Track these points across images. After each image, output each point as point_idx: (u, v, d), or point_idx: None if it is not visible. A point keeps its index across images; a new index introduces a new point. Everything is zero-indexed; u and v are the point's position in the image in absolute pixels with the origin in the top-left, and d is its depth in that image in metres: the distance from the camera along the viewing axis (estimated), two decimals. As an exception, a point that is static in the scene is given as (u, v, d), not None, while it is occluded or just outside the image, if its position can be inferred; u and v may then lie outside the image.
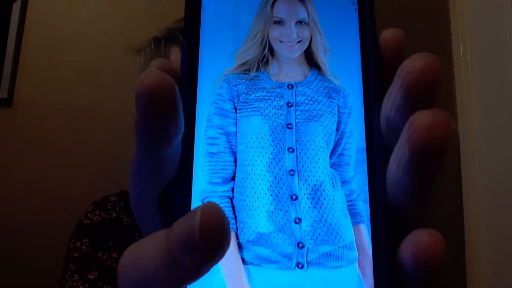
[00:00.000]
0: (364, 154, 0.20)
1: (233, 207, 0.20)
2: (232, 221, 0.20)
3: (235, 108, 0.21)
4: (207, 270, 0.15)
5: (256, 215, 0.19)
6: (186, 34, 0.20)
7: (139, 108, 0.16)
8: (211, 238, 0.14)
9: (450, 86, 1.12)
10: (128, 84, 0.80)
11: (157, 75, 0.16)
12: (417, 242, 0.16)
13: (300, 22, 0.22)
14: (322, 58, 0.21)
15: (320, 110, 0.21)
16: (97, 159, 1.11)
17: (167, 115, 0.16)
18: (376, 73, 0.20)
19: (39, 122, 1.15)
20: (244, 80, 0.21)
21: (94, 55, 1.18)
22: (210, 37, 0.21)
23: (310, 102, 0.21)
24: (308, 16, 0.22)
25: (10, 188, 1.11)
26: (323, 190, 0.20)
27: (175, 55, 0.70)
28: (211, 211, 0.14)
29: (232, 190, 0.20)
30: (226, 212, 0.19)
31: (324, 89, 0.21)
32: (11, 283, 1.04)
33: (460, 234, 1.06)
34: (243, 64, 0.21)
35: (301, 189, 0.20)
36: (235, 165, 0.20)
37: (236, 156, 0.20)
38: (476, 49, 1.10)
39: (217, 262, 0.15)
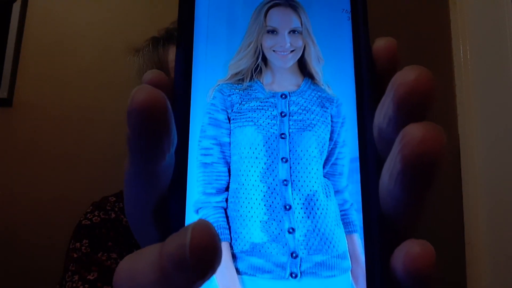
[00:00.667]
0: (357, 163, 0.20)
1: (227, 217, 0.20)
2: (226, 231, 0.20)
3: (229, 118, 0.21)
4: (199, 286, 0.15)
5: (250, 225, 0.19)
6: (179, 44, 0.20)
7: (131, 125, 0.16)
8: (202, 257, 0.14)
9: (450, 86, 1.12)
10: (128, 84, 0.80)
11: (148, 92, 0.16)
12: (408, 253, 0.16)
13: (293, 31, 0.22)
14: (315, 67, 0.21)
15: (313, 119, 0.21)
16: (97, 159, 1.11)
17: (159, 131, 0.17)
18: (369, 83, 0.20)
19: (39, 122, 1.15)
20: (238, 90, 0.21)
21: (94, 55, 1.18)
22: (204, 47, 0.21)
23: (304, 112, 0.21)
24: (302, 25, 0.22)
25: (10, 188, 1.11)
26: (317, 200, 0.20)
27: (173, 55, 0.70)
28: (202, 229, 0.14)
29: (226, 200, 0.20)
30: (220, 223, 0.20)
31: (317, 99, 0.21)
32: (11, 283, 1.05)
33: (460, 234, 1.06)
34: (236, 74, 0.21)
35: (294, 199, 0.20)
36: (229, 175, 0.20)
37: (230, 166, 0.20)
38: (476, 49, 1.09)
39: (208, 279, 0.15)
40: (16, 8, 1.19)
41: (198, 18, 0.21)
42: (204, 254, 0.14)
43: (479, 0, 1.09)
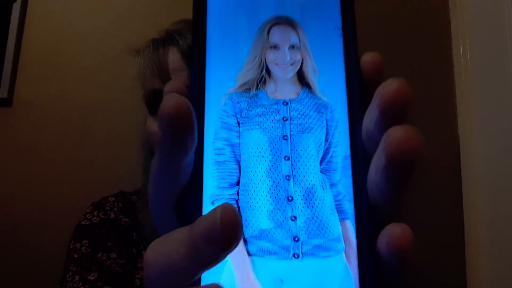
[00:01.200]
0: (349, 161, 0.23)
1: (238, 207, 0.23)
2: None
3: (238, 123, 0.24)
4: (223, 257, 0.18)
5: (258, 214, 0.23)
6: (194, 58, 0.24)
7: (162, 127, 0.19)
8: (230, 231, 0.17)
9: (450, 86, 1.12)
10: (128, 84, 0.80)
11: (176, 99, 0.19)
12: (390, 234, 0.19)
13: (292, 47, 0.25)
14: (312, 78, 0.25)
15: (311, 123, 0.24)
16: (97, 160, 1.10)
17: (186, 132, 0.20)
18: (358, 91, 0.23)
19: (39, 122, 1.14)
20: (245, 98, 0.24)
21: (94, 55, 1.17)
22: (215, 61, 0.24)
23: (303, 117, 0.24)
24: (300, 41, 0.25)
25: (10, 188, 1.10)
26: (315, 192, 0.23)
27: (173, 56, 0.71)
28: (229, 209, 0.18)
29: (237, 193, 0.23)
30: None
31: (314, 105, 0.24)
32: (11, 283, 1.04)
33: (460, 234, 1.06)
34: (244, 84, 0.24)
35: (296, 191, 0.23)
36: (239, 171, 0.24)
37: (240, 164, 0.24)
38: (476, 49, 1.09)
39: (232, 250, 0.18)
40: (16, 8, 1.19)
41: (210, 36, 0.24)
42: (232, 228, 0.17)
43: (479, 0, 1.09)
